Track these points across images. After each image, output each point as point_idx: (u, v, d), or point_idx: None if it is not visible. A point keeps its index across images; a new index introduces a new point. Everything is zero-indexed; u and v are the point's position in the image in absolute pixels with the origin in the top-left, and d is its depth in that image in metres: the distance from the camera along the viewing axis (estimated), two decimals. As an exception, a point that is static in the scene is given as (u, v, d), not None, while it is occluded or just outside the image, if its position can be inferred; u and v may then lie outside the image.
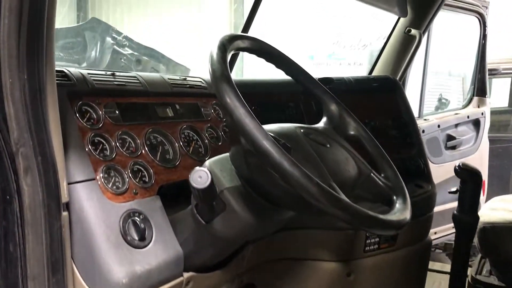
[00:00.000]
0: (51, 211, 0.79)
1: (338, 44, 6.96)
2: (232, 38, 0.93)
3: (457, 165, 1.35)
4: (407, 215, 0.95)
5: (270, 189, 0.89)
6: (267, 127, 0.95)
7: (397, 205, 0.98)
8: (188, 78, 1.35)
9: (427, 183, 1.62)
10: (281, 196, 0.89)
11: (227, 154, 1.00)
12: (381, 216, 0.85)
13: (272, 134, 0.90)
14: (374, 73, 2.74)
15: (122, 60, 3.89)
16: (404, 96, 1.76)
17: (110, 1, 6.96)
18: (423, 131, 2.97)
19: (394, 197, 1.02)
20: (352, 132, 1.15)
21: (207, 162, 0.97)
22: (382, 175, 1.08)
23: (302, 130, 1.00)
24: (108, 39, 3.93)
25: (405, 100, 1.75)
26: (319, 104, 1.16)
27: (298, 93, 1.56)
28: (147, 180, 1.03)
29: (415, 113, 3.24)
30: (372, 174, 1.05)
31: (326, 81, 1.55)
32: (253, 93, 1.47)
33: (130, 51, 3.88)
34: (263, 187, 0.90)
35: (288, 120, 1.47)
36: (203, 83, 1.37)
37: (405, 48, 2.54)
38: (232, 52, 0.93)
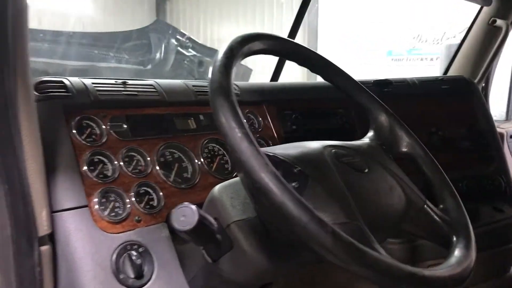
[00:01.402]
0: (20, 247, 0.67)
1: (419, 38, 6.54)
2: (245, 40, 0.75)
3: None
4: (469, 264, 0.73)
5: (282, 228, 0.70)
6: (285, 147, 0.77)
7: (457, 251, 0.75)
8: (131, 82, 1.18)
9: (509, 206, 1.34)
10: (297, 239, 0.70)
11: None
12: (427, 273, 0.63)
13: (286, 159, 0.72)
14: (451, 73, 2.42)
15: (185, 62, 3.85)
16: (482, 100, 1.48)
17: (188, 8, 7.04)
18: (511, 136, 2.59)
19: (454, 238, 0.79)
20: (404, 149, 0.93)
21: (216, 188, 0.81)
22: (441, 206, 0.85)
23: (333, 151, 0.80)
24: (172, 40, 3.92)
25: (483, 105, 1.47)
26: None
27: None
28: (155, 204, 0.89)
29: (502, 115, 2.86)
30: (425, 206, 0.82)
31: (382, 84, 1.32)
32: (295, 99, 1.29)
33: (193, 53, 3.84)
34: (276, 223, 0.72)
35: (336, 130, 1.27)
36: (236, 89, 1.21)
37: (488, 42, 2.20)
38: (242, 58, 0.75)
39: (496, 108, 3.01)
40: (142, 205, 0.87)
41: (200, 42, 4.03)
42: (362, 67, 6.14)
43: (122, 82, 1.00)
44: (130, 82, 1.02)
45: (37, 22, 3.81)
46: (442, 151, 1.38)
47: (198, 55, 3.73)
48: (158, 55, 3.93)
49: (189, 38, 3.95)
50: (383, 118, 0.95)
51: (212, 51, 3.95)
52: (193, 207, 0.67)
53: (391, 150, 0.93)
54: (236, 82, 1.26)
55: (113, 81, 0.99)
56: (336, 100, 1.34)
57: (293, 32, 1.70)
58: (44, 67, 3.14)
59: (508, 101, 2.70)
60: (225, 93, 0.64)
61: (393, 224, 0.79)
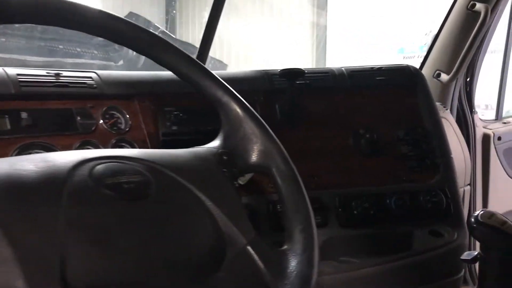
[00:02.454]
0: None
1: (431, 34, 6.23)
2: None
3: (472, 216, 0.77)
4: None
5: None
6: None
7: None
8: (66, 73, 0.96)
9: (451, 229, 1.06)
10: None
11: None
12: None
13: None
14: (426, 67, 2.13)
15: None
16: (428, 94, 1.20)
17: (197, 7, 6.86)
18: (499, 138, 2.28)
19: None
20: (257, 160, 0.67)
21: None
22: (285, 246, 0.60)
23: (92, 167, 0.53)
24: (145, 34, 3.70)
25: (429, 101, 1.19)
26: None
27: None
28: None
29: (492, 114, 2.54)
30: (249, 246, 0.56)
31: (292, 74, 1.06)
32: (179, 93, 1.04)
33: (165, 47, 3.62)
34: None
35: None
36: (91, 80, 0.97)
37: (466, 30, 1.91)
38: None
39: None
40: None
41: (175, 37, 3.81)
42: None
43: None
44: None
45: None
46: (370, 158, 1.11)
47: (170, 49, 3.52)
48: (130, 51, 3.71)
49: (163, 32, 3.73)
50: (234, 115, 0.69)
51: (187, 46, 3.72)
52: None
53: (238, 162, 0.67)
54: (97, 71, 1.01)
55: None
56: (243, 94, 1.08)
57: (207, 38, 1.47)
58: (-1, 62, 2.95)
59: (498, 100, 2.39)
60: None
61: (200, 276, 0.53)
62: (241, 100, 0.71)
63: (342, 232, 1.02)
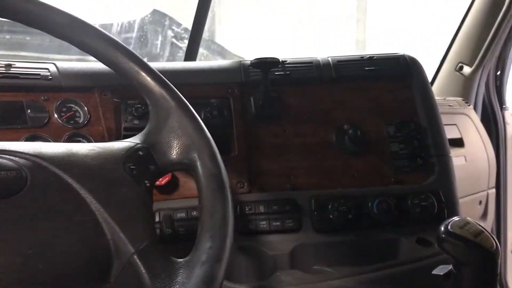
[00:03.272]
0: None
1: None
2: None
3: (443, 225, 0.64)
4: None
5: None
6: None
7: None
8: (20, 64, 0.91)
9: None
10: None
11: None
12: None
13: None
14: (449, 60, 1.96)
15: (178, 55, 3.62)
16: (425, 85, 1.08)
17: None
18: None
19: None
20: (178, 158, 0.60)
21: None
22: (187, 257, 0.51)
23: None
24: (169, 32, 3.70)
25: (427, 93, 1.07)
26: None
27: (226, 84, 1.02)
28: None
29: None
30: (135, 257, 0.48)
31: (267, 63, 0.97)
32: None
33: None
34: None
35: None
36: (46, 71, 0.92)
37: (491, 18, 1.74)
38: None
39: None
40: None
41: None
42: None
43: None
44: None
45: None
46: (354, 157, 1.00)
47: (192, 46, 3.49)
48: (154, 49, 3.73)
49: (186, 29, 3.70)
50: (162, 105, 0.62)
51: (209, 43, 3.69)
52: None
53: (159, 159, 0.60)
54: (58, 62, 0.97)
55: None
56: (215, 87, 1.01)
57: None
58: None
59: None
60: None
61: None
62: (172, 88, 0.64)
63: (317, 238, 0.92)
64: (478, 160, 1.71)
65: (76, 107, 0.93)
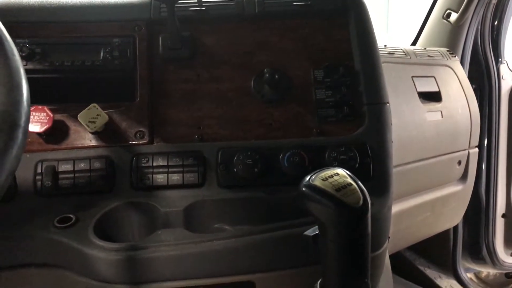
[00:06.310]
0: None
1: None
2: None
3: (303, 181, 0.53)
4: None
5: None
6: None
7: None
8: None
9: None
10: None
11: None
12: None
13: None
14: (437, 6, 1.77)
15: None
16: (365, 25, 0.93)
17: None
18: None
19: None
20: None
21: None
22: None
23: None
24: None
25: (365, 34, 0.93)
26: None
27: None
28: None
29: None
30: None
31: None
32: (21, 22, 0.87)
33: None
34: None
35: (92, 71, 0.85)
36: None
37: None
38: None
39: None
40: None
41: None
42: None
43: None
44: None
45: None
46: (273, 105, 0.89)
47: None
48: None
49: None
50: None
51: None
52: None
53: None
54: None
55: None
56: (119, 24, 0.90)
57: None
58: None
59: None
60: None
61: None
62: None
63: (220, 194, 0.82)
64: (457, 116, 1.55)
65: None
